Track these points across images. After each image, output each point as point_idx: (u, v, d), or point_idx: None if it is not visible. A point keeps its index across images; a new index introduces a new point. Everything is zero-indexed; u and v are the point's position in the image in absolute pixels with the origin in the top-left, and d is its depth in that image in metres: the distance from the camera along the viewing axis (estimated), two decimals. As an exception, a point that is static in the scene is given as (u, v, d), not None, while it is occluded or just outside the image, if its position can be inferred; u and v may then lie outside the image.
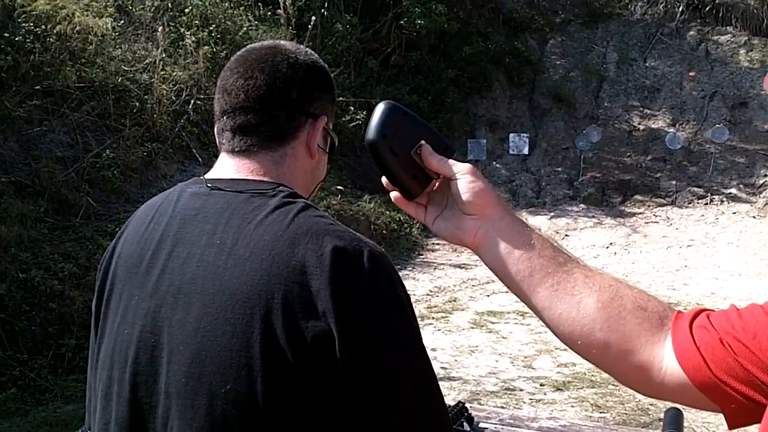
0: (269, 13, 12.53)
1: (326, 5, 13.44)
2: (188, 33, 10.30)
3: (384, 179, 1.15)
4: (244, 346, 1.06)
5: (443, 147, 1.13)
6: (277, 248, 1.09)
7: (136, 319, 1.17)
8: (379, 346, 1.07)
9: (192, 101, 9.70)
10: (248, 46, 1.33)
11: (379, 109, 1.14)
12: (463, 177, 1.08)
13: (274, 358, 1.05)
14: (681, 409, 1.90)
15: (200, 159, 9.19)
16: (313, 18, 12.42)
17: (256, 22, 12.10)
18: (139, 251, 1.22)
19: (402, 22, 14.31)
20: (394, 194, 1.16)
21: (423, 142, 1.12)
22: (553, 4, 16.89)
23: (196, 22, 10.69)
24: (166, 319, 1.14)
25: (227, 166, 1.27)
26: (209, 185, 1.23)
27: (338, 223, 1.15)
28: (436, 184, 1.14)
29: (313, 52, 1.35)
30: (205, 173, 1.29)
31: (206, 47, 10.41)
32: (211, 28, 10.76)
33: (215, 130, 1.30)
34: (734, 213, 12.66)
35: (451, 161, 1.10)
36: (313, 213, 1.15)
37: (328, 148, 1.39)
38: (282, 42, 1.34)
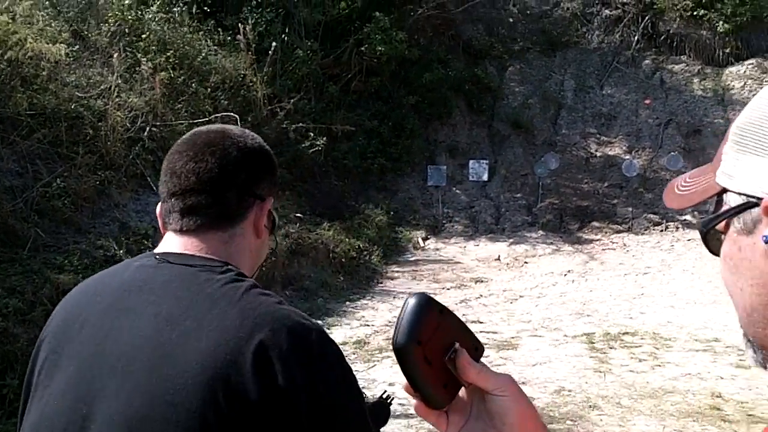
0: (229, 38, 12.45)
1: (287, 31, 13.41)
2: (145, 59, 10.17)
3: (405, 383, 0.97)
4: (183, 418, 1.04)
5: (474, 347, 0.97)
6: (225, 323, 1.08)
7: (68, 388, 1.13)
8: (327, 424, 1.08)
9: (147, 128, 9.55)
10: (194, 131, 1.35)
11: (412, 305, 0.94)
12: (506, 395, 0.92)
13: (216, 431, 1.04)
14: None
15: (155, 188, 9.02)
16: (274, 44, 12.37)
17: (216, 48, 12.00)
18: (80, 321, 1.19)
19: (363, 48, 14.34)
20: (415, 403, 0.99)
21: (458, 345, 0.95)
22: (512, 32, 17.08)
23: (154, 47, 10.58)
24: (100, 389, 1.10)
25: (175, 243, 1.26)
26: (158, 257, 1.23)
27: (285, 303, 1.16)
28: (464, 391, 0.98)
29: (257, 136, 1.37)
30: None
31: (163, 73, 10.28)
32: (169, 53, 10.64)
33: (159, 211, 1.31)
34: (689, 240, 12.83)
35: (490, 373, 0.94)
36: (262, 292, 1.15)
37: (271, 227, 1.40)
38: (228, 126, 1.36)
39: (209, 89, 11.11)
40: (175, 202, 1.27)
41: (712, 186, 0.82)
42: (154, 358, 1.09)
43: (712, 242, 0.83)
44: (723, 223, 0.80)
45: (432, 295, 0.95)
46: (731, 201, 0.79)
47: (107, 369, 1.11)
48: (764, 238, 0.74)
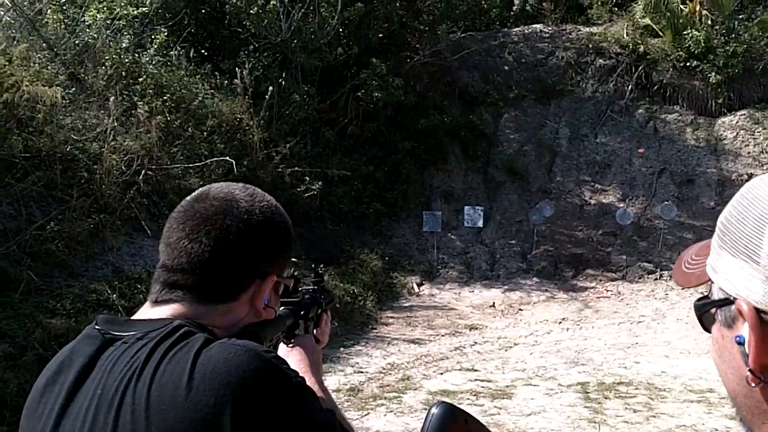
0: (226, 82, 12.56)
1: (284, 75, 13.54)
2: (141, 102, 10.23)
3: None
4: None
5: None
6: (167, 400, 1.03)
7: None
8: None
9: (143, 172, 9.57)
10: (200, 192, 1.26)
11: (436, 417, 0.90)
12: None
13: None
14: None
15: (149, 231, 9.02)
16: (270, 88, 12.47)
17: (212, 91, 12.10)
18: (42, 410, 1.14)
19: (359, 93, 14.47)
20: None
21: None
22: (507, 79, 17.25)
23: (150, 90, 10.65)
24: None
25: (139, 313, 1.21)
26: (99, 328, 1.17)
27: (240, 355, 1.07)
28: None
29: (271, 202, 1.28)
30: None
31: (160, 116, 10.33)
32: (165, 97, 10.72)
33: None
34: (683, 289, 12.79)
35: None
36: (214, 349, 1.08)
37: (281, 291, 1.34)
38: (237, 193, 1.25)
39: (205, 133, 11.16)
40: (162, 273, 1.21)
41: (705, 273, 0.83)
42: None
43: (707, 322, 0.85)
44: (714, 309, 0.82)
45: (456, 405, 0.91)
46: (715, 293, 0.81)
47: None
48: (737, 338, 0.76)
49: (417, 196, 15.05)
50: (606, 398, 7.68)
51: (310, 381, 1.25)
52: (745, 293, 0.75)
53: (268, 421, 1.04)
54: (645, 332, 10.76)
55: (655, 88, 16.50)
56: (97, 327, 1.17)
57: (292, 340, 1.52)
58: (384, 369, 8.99)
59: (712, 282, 0.82)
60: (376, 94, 14.27)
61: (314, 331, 1.67)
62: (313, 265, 1.88)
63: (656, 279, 13.26)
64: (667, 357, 9.48)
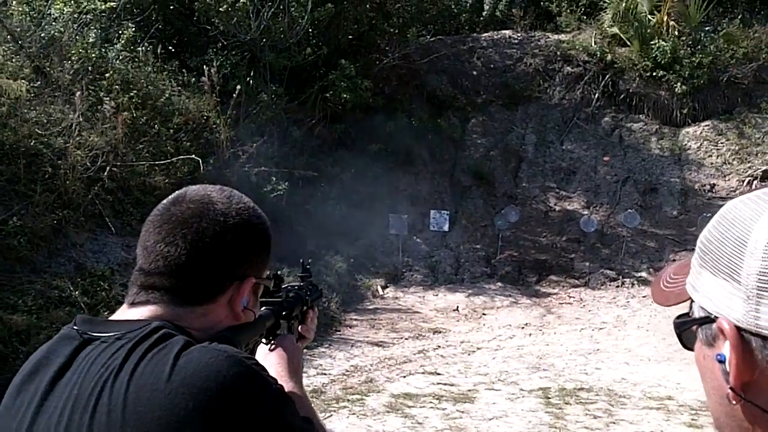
0: (193, 79, 12.44)
1: (252, 74, 13.46)
2: (108, 97, 10.09)
3: None
4: None
5: None
6: (144, 401, 1.03)
7: None
8: None
9: (108, 168, 9.44)
10: (177, 195, 1.25)
11: None
12: None
13: None
14: None
15: (113, 228, 8.90)
16: (238, 86, 12.38)
17: (179, 89, 11.97)
18: (17, 407, 1.13)
19: (328, 94, 14.45)
20: None
21: None
22: (475, 84, 17.36)
23: (117, 86, 10.51)
24: None
25: (116, 315, 1.21)
26: (76, 329, 1.16)
27: (220, 360, 1.07)
28: None
29: (248, 204, 1.28)
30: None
31: (126, 112, 10.20)
32: (132, 93, 10.59)
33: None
34: (644, 296, 12.98)
35: None
36: (194, 353, 1.07)
37: (261, 293, 1.34)
38: (213, 195, 1.25)
39: (172, 130, 11.05)
40: (139, 276, 1.21)
41: (685, 291, 0.84)
42: None
43: (687, 340, 0.85)
44: (695, 327, 0.82)
45: None
46: (695, 311, 0.82)
47: None
48: (718, 356, 0.77)
49: (383, 198, 15.05)
50: (567, 404, 7.76)
51: (288, 385, 1.26)
52: (725, 312, 0.76)
53: (244, 428, 1.04)
54: (606, 339, 10.88)
55: (622, 96, 16.73)
56: (75, 327, 1.17)
57: (273, 341, 1.50)
58: (347, 371, 8.99)
59: (693, 301, 0.83)
60: (345, 96, 14.27)
61: (299, 327, 1.66)
62: (301, 260, 1.86)
63: (618, 286, 13.43)
64: (627, 364, 9.59)
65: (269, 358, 1.45)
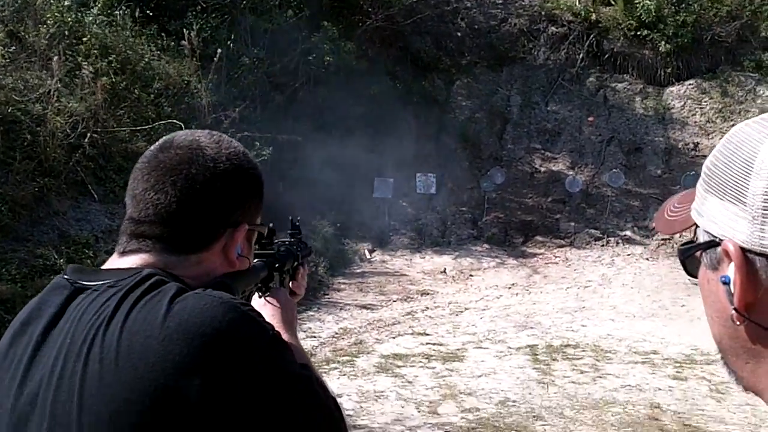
0: (173, 43, 12.24)
1: (232, 38, 13.25)
2: (86, 63, 9.90)
3: None
4: None
5: None
6: (137, 348, 1.00)
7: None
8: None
9: (88, 134, 9.29)
10: (164, 141, 1.22)
11: None
12: None
13: None
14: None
15: (96, 195, 8.81)
16: (219, 50, 12.19)
17: (159, 53, 11.78)
18: (10, 359, 1.10)
19: (310, 58, 14.26)
20: None
21: None
22: (459, 45, 17.21)
23: (95, 51, 10.31)
24: None
25: (107, 264, 1.18)
26: (67, 278, 1.13)
27: (215, 306, 1.04)
28: None
29: (238, 149, 1.24)
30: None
31: (105, 78, 10.03)
32: (110, 57, 10.39)
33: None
34: (629, 255, 13.08)
35: None
36: (189, 299, 1.05)
37: (256, 240, 1.31)
38: (202, 140, 1.21)
39: (152, 95, 10.89)
40: (128, 225, 1.19)
41: (690, 218, 0.86)
42: (64, 400, 1.03)
43: (691, 267, 0.87)
44: (699, 252, 0.84)
45: None
46: (700, 236, 0.84)
47: (28, 408, 1.05)
48: (722, 278, 0.79)
49: (368, 162, 14.98)
50: (554, 360, 7.83)
51: (284, 336, 1.24)
52: (731, 234, 0.77)
53: (242, 373, 1.01)
54: (591, 297, 10.97)
55: (606, 56, 16.66)
56: (65, 276, 1.14)
57: (267, 294, 1.49)
58: (336, 334, 9.01)
59: (697, 227, 0.84)
60: (328, 59, 14.09)
61: (290, 284, 1.65)
62: (290, 217, 1.84)
63: (603, 245, 13.50)
64: (612, 320, 9.68)
65: (264, 310, 1.43)
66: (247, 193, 1.25)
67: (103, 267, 1.18)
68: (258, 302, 1.47)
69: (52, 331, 1.08)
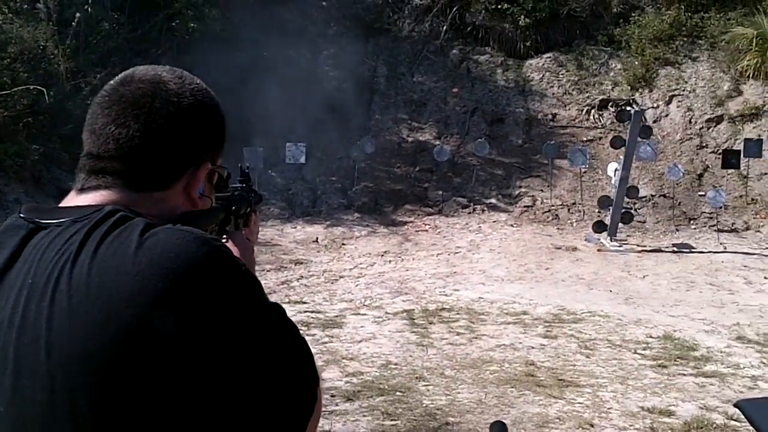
0: (26, 6, 11.50)
1: (90, 2, 12.60)
2: (-69, 23, 9.17)
3: None
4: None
5: None
6: (109, 285, 0.97)
7: None
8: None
9: (-64, 99, 8.63)
10: (125, 75, 1.18)
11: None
12: None
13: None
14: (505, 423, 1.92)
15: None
16: (77, 14, 11.58)
17: (11, 15, 11.04)
18: None
19: (174, 24, 13.80)
20: None
21: None
22: (326, 15, 17.14)
23: (-60, 11, 9.55)
24: None
25: (65, 201, 1.13)
26: (23, 217, 1.08)
27: (188, 240, 1.02)
28: None
29: (201, 85, 1.21)
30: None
31: (-47, 40, 9.32)
32: (-43, 18, 9.67)
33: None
34: (494, 222, 13.59)
35: None
36: (161, 234, 1.02)
37: (216, 181, 1.28)
38: (164, 74, 1.18)
39: (7, 60, 10.21)
40: (87, 161, 1.14)
41: None
42: (28, 344, 0.99)
43: None
44: None
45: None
46: None
47: None
48: None
49: (237, 132, 14.70)
50: (431, 323, 8.05)
51: None
52: None
53: (218, 306, 1.00)
54: (461, 262, 11.33)
55: (468, 29, 17.07)
56: (21, 215, 1.09)
57: (225, 236, 1.46)
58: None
59: None
60: (192, 25, 13.73)
61: (243, 230, 1.62)
62: (239, 164, 1.81)
63: (470, 213, 13.94)
64: (483, 284, 10.05)
65: None
66: (211, 131, 1.22)
67: (61, 205, 1.13)
68: None
69: (8, 273, 1.03)
